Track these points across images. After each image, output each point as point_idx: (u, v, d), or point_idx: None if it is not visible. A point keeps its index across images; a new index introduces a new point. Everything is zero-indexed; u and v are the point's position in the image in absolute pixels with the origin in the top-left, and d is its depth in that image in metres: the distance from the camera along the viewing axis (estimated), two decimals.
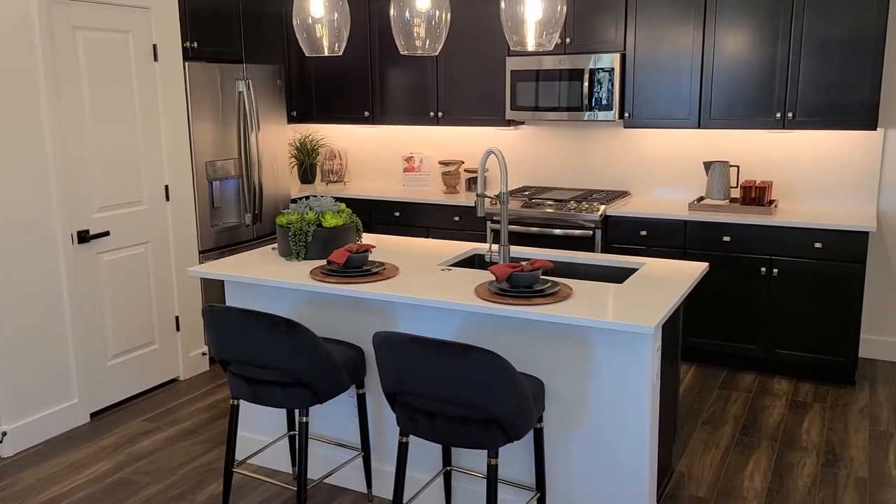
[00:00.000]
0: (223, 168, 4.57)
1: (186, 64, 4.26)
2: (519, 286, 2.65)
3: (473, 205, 4.94)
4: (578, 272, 3.27)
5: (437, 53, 2.83)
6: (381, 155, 5.83)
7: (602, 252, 4.54)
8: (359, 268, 2.98)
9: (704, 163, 4.55)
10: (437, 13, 2.81)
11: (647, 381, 2.53)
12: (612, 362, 2.56)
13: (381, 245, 3.54)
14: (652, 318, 2.39)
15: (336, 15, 2.93)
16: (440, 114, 5.21)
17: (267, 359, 2.60)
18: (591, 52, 4.64)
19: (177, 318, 4.32)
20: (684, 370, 4.44)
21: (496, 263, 3.03)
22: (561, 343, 2.63)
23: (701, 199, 4.62)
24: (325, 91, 5.60)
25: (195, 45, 4.60)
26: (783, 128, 4.25)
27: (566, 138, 5.16)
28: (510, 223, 4.75)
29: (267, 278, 2.96)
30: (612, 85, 4.58)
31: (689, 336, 4.45)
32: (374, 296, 2.76)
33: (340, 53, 3.02)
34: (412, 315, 2.90)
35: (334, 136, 5.98)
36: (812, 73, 4.14)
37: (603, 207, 4.53)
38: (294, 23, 2.94)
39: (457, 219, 5.00)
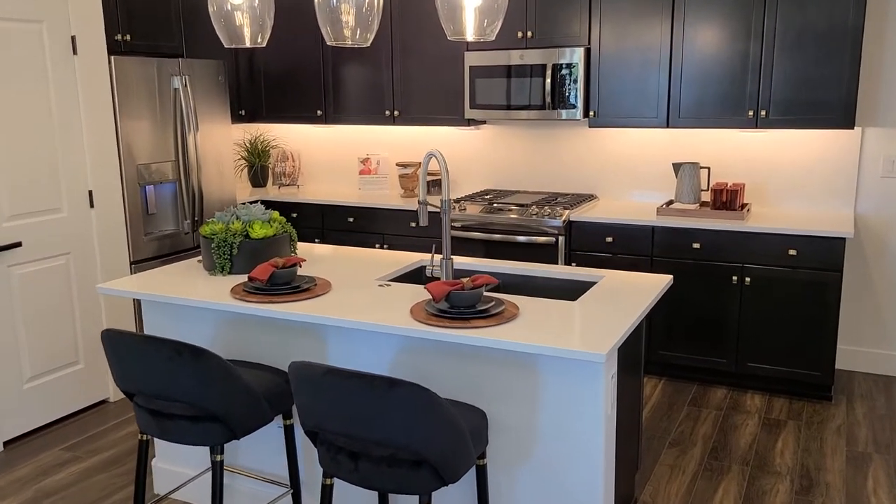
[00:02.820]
0: (159, 171, 4.24)
1: (113, 58, 3.92)
2: (458, 306, 2.36)
3: (438, 210, 4.64)
4: (534, 286, 2.99)
5: (368, 44, 2.53)
6: (336, 156, 5.52)
7: (566, 260, 4.26)
8: (286, 284, 2.68)
9: (673, 164, 4.29)
10: None
11: (601, 410, 2.25)
12: (562, 391, 2.28)
13: (318, 257, 3.23)
14: (604, 344, 2.11)
15: (257, 1, 2.62)
16: (396, 112, 4.91)
17: (172, 391, 2.29)
18: (553, 47, 4.36)
19: None
20: (652, 385, 4.18)
21: (437, 279, 2.74)
22: (505, 370, 2.34)
23: (670, 202, 4.36)
24: (275, 89, 5.28)
25: (128, 38, 4.27)
26: (756, 127, 4.00)
27: (530, 138, 4.88)
28: (470, 230, 4.46)
29: (179, 297, 2.65)
30: (577, 82, 4.30)
31: (657, 349, 4.18)
32: (294, 317, 2.46)
33: (264, 44, 2.71)
34: (344, 338, 2.60)
35: (287, 136, 5.66)
36: (786, 69, 3.89)
37: (567, 213, 4.25)
38: (210, 10, 2.63)
39: (413, 225, 4.70)
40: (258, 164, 5.46)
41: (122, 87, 3.98)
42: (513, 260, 4.32)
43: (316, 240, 5.04)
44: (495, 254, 4.40)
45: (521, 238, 4.31)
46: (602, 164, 4.71)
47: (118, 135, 3.98)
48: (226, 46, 2.66)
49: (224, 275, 2.92)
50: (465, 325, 2.26)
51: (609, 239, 4.18)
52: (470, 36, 2.28)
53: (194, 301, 2.61)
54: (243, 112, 5.31)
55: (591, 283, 2.87)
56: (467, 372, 2.40)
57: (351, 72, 5.00)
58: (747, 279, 3.91)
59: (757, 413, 3.80)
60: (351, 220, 4.90)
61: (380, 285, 2.76)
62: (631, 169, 4.64)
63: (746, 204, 4.21)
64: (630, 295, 2.59)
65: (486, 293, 2.58)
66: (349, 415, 2.00)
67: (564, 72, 4.32)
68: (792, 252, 3.80)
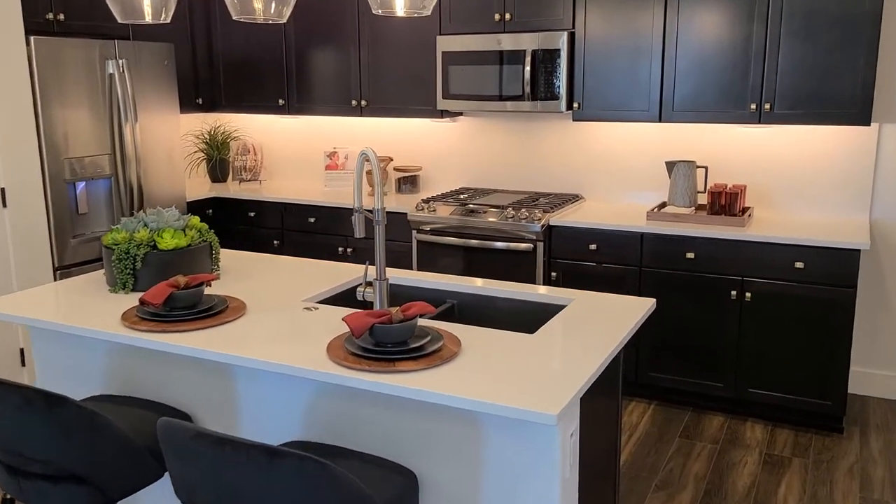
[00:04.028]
0: (94, 166, 3.80)
1: (32, 39, 3.48)
2: (384, 343, 1.91)
3: (406, 211, 4.19)
4: (493, 309, 2.54)
5: (283, 21, 2.08)
6: (302, 150, 5.07)
7: (546, 270, 3.81)
8: (190, 308, 2.23)
9: (667, 163, 3.82)
10: None
11: (557, 474, 1.80)
12: (509, 450, 1.83)
13: (244, 269, 2.78)
14: (557, 399, 1.66)
15: None
16: (364, 103, 4.45)
17: (25, 446, 1.85)
18: (534, 31, 3.89)
19: (21, 350, 3.55)
20: (641, 410, 3.72)
21: (370, 305, 2.29)
22: (442, 423, 1.89)
23: (663, 205, 3.90)
24: (234, 75, 4.82)
25: (61, 17, 3.83)
26: (759, 122, 3.53)
27: (510, 132, 4.42)
28: (441, 234, 4.01)
29: (56, 321, 2.20)
30: (559, 70, 3.83)
31: (646, 370, 3.73)
32: (185, 351, 2.01)
33: (168, 21, 2.26)
34: (254, 376, 2.15)
35: (249, 127, 5.20)
36: (794, 58, 3.41)
37: (546, 216, 3.79)
38: None
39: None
40: (217, 158, 5.01)
41: (46, 71, 3.54)
42: (490, 269, 3.88)
43: (275, 242, 4.60)
44: (471, 262, 3.95)
45: (500, 244, 3.85)
46: (588, 161, 4.25)
47: (39, 126, 3.53)
48: (120, 22, 2.21)
49: (126, 292, 2.48)
50: (389, 369, 1.81)
51: (593, 246, 3.72)
52: (400, 10, 1.83)
53: (74, 328, 2.17)
54: (200, 101, 4.86)
55: (559, 307, 2.42)
56: (395, 424, 1.95)
57: (316, 58, 4.54)
58: (748, 294, 3.45)
59: (757, 447, 3.35)
60: (312, 220, 4.45)
61: (305, 308, 2.32)
62: (620, 167, 4.18)
63: (748, 208, 3.74)
64: (601, 324, 2.13)
65: (424, 323, 2.13)
66: (224, 491, 1.56)
67: (546, 59, 3.85)
68: (799, 265, 3.33)
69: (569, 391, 1.71)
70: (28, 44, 3.47)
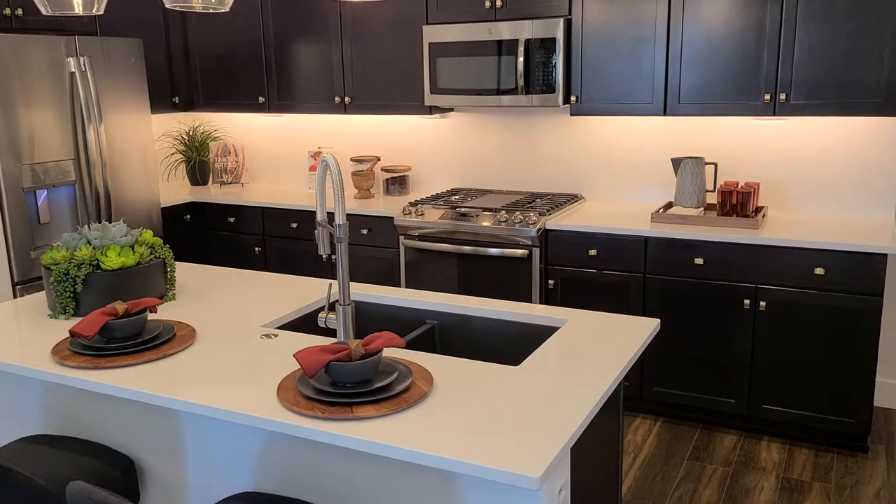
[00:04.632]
0: (56, 172, 3.53)
1: None
2: (343, 382, 1.64)
3: (393, 215, 3.91)
4: (475, 331, 2.26)
5: (226, 9, 1.81)
6: (285, 150, 4.79)
7: (542, 278, 3.53)
8: (131, 338, 1.97)
9: (672, 160, 3.53)
10: None
11: None
12: None
13: (204, 287, 2.52)
14: (541, 454, 1.39)
15: None
16: (348, 99, 4.17)
17: None
18: (527, 18, 3.60)
19: None
20: (647, 427, 3.44)
21: (333, 333, 2.03)
22: (409, 476, 1.62)
23: (669, 206, 3.61)
24: (211, 72, 4.55)
25: (19, 12, 3.57)
26: (773, 114, 3.23)
27: (504, 128, 4.13)
28: (429, 240, 3.73)
29: None
30: (556, 60, 3.54)
31: (653, 385, 3.45)
32: (115, 391, 1.75)
33: (101, 12, 1.99)
34: (200, 419, 1.88)
35: (231, 127, 4.93)
36: (812, 43, 3.11)
37: (542, 220, 3.51)
38: None
39: (364, 232, 3.98)
40: (196, 160, 4.74)
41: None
42: (483, 276, 3.61)
43: (256, 249, 4.33)
44: (462, 269, 3.68)
45: (493, 251, 3.57)
46: (588, 158, 3.96)
47: None
48: (45, 14, 1.94)
49: (67, 318, 2.22)
50: (345, 415, 1.54)
51: (593, 251, 3.43)
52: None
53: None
54: (177, 99, 4.59)
55: (551, 329, 2.14)
56: (358, 475, 1.68)
57: (296, 52, 4.26)
58: (762, 303, 3.16)
59: (774, 470, 3.06)
60: (294, 225, 4.18)
61: (263, 335, 2.05)
62: (622, 165, 3.89)
63: (761, 208, 3.45)
64: (597, 353, 1.86)
65: (392, 354, 1.86)
66: None
67: (541, 48, 3.56)
68: (819, 271, 3.04)
69: (555, 443, 1.43)
70: None
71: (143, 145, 3.98)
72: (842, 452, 3.20)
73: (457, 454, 1.40)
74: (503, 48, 3.64)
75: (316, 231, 2.00)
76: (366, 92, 4.12)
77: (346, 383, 1.64)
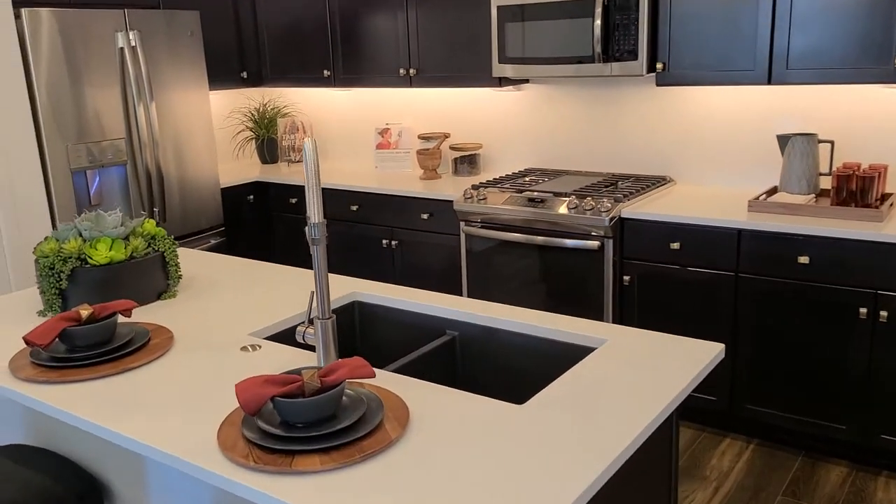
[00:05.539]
0: (108, 151, 3.43)
1: (25, 11, 3.11)
2: (294, 422, 1.33)
3: (450, 198, 3.57)
4: (497, 346, 1.89)
5: None
6: (353, 126, 4.53)
7: (617, 273, 3.08)
8: (97, 346, 1.74)
9: (778, 136, 2.98)
10: None
11: None
12: None
13: (207, 281, 2.27)
14: None
15: None
16: (412, 72, 3.84)
17: None
18: None
19: None
20: (738, 449, 2.95)
21: (310, 353, 1.72)
22: None
23: (772, 191, 3.06)
24: (277, 46, 4.34)
25: None
26: None
27: (581, 101, 3.67)
28: (493, 227, 3.36)
29: None
30: (639, 22, 3.06)
31: (744, 402, 2.95)
32: (50, 411, 1.52)
33: None
34: None
35: (301, 103, 4.72)
36: None
37: (616, 207, 3.06)
38: None
39: (425, 217, 3.65)
40: (265, 137, 4.57)
41: (44, 47, 3.17)
42: (550, 270, 3.21)
43: None
44: (527, 261, 3.29)
45: (561, 241, 3.16)
46: (678, 136, 3.44)
47: (36, 109, 3.18)
48: None
49: (55, 314, 2.03)
50: (282, 468, 1.23)
51: (675, 245, 2.95)
52: None
53: None
54: (245, 74, 4.42)
55: (584, 351, 1.74)
56: None
57: (361, 21, 3.97)
58: (883, 313, 2.58)
59: None
60: (355, 208, 3.91)
61: (245, 346, 1.77)
62: (717, 143, 3.35)
63: (888, 196, 2.85)
64: (629, 389, 1.45)
65: (362, 387, 1.53)
66: None
67: (622, 7, 3.08)
68: None
69: None
70: (18, 17, 3.11)
71: (202, 123, 3.83)
72: None
73: None
74: (577, 9, 3.18)
75: (307, 227, 1.69)
76: (431, 63, 3.77)
77: (297, 423, 1.33)
